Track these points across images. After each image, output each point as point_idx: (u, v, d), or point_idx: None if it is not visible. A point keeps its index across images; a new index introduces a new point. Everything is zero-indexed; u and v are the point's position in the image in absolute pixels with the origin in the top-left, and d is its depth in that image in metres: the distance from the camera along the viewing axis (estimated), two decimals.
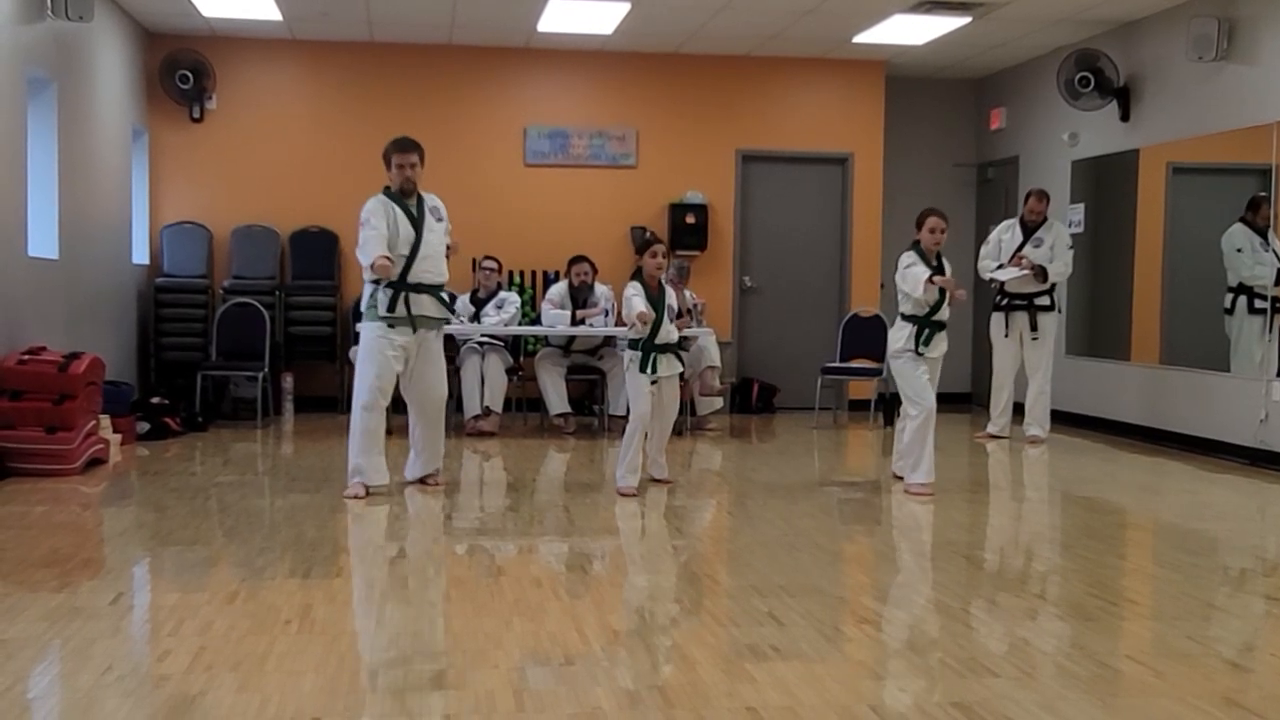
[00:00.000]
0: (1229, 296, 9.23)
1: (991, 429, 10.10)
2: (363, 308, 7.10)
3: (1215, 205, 10.04)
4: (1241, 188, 9.48)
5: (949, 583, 5.41)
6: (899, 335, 7.52)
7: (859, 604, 5.01)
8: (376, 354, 6.98)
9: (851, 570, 5.75)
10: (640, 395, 7.27)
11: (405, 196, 7.09)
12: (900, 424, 7.60)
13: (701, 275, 11.65)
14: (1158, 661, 4.16)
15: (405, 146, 7.15)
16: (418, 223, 7.07)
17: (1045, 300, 9.88)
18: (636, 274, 7.39)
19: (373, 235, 6.91)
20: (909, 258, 7.43)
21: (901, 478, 7.61)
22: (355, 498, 6.87)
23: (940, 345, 7.53)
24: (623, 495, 7.17)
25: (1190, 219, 10.08)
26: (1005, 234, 10.03)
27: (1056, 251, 9.83)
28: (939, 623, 4.70)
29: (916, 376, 7.43)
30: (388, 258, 6.79)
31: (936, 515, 6.72)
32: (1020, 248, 9.84)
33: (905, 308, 7.52)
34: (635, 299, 7.26)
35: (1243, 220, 9.15)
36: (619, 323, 10.46)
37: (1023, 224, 9.96)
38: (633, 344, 7.33)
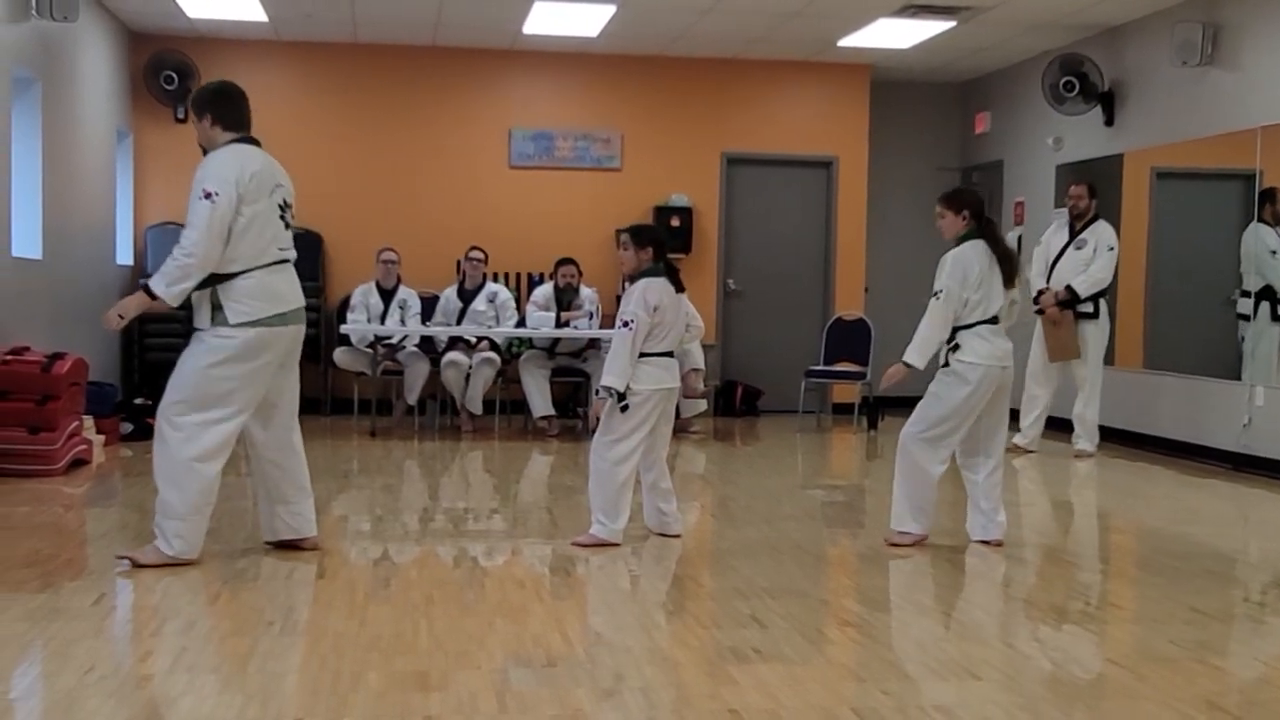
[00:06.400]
0: (1245, 301, 8.84)
1: (1019, 440, 9.51)
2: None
3: (1199, 210, 10.08)
4: (1226, 193, 9.51)
5: (931, 586, 5.43)
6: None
7: (841, 607, 5.01)
8: None
9: (834, 573, 5.75)
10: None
11: None
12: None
13: (686, 278, 11.42)
14: (1140, 665, 4.17)
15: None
16: None
17: (1088, 308, 9.34)
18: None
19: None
20: None
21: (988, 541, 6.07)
22: None
23: None
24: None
25: (1174, 224, 10.10)
26: (1054, 237, 9.61)
27: (1098, 254, 9.25)
28: (921, 625, 4.71)
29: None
30: None
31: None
32: (1063, 250, 9.40)
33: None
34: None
35: (1262, 220, 8.80)
36: (604, 325, 10.48)
37: (1069, 220, 9.53)
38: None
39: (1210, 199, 10.03)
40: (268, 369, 5.28)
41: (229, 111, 5.37)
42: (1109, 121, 10.48)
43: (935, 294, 5.81)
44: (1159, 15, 9.77)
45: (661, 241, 6.08)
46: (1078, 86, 10.44)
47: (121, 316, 5.25)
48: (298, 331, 5.39)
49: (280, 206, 5.35)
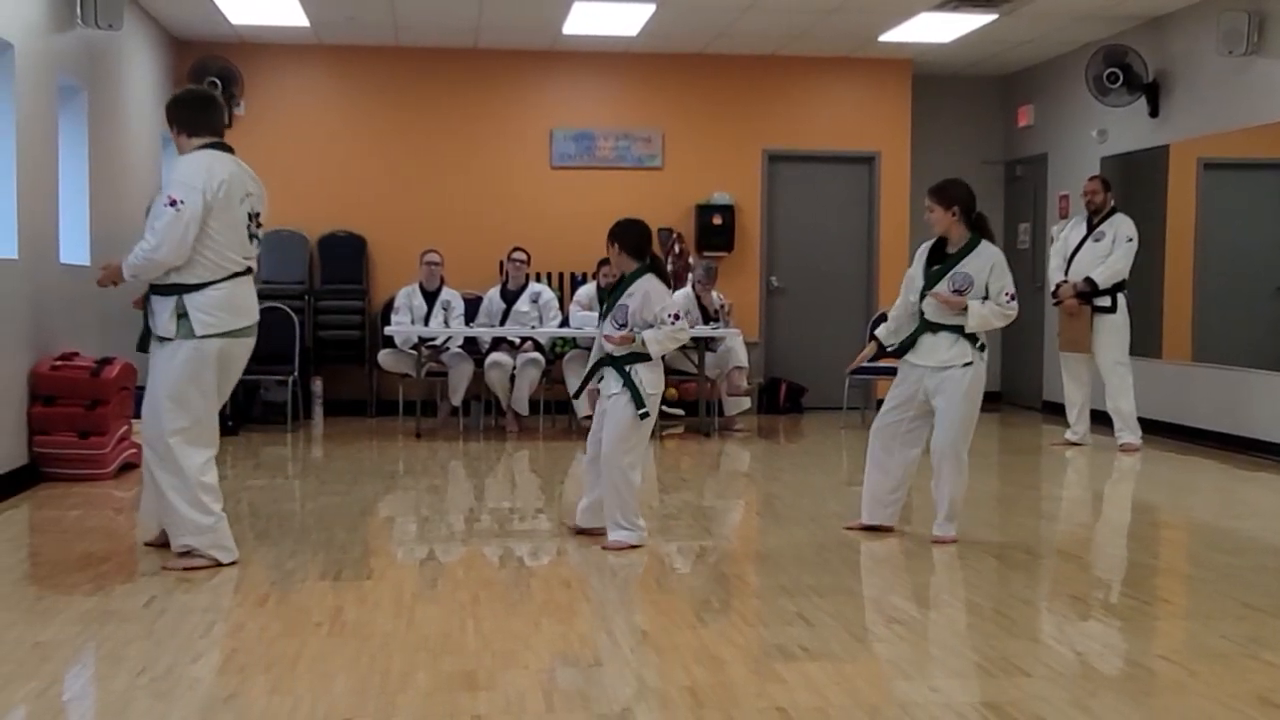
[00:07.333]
0: None
1: (1070, 436, 9.61)
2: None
3: (1247, 201, 9.96)
4: (1274, 183, 9.38)
5: (979, 582, 5.39)
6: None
7: (888, 604, 4.99)
8: None
9: (880, 570, 5.73)
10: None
11: None
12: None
13: (728, 276, 11.63)
14: (1191, 661, 4.13)
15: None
16: None
17: (1105, 302, 9.26)
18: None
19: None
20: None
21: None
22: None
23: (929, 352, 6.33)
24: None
25: (1222, 215, 9.99)
26: (1072, 231, 9.60)
27: (1116, 245, 9.23)
28: (969, 622, 4.68)
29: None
30: None
31: (966, 516, 6.68)
32: (1080, 244, 9.40)
33: None
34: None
35: None
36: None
37: (1087, 215, 9.55)
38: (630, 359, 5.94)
39: (1258, 189, 9.91)
40: (230, 379, 5.42)
41: (193, 118, 5.40)
42: (1154, 113, 10.38)
43: (1013, 296, 5.92)
44: (1203, 4, 9.66)
45: (638, 246, 6.19)
46: (1122, 78, 10.34)
47: (115, 283, 5.51)
48: (251, 344, 5.48)
49: (249, 216, 5.38)
